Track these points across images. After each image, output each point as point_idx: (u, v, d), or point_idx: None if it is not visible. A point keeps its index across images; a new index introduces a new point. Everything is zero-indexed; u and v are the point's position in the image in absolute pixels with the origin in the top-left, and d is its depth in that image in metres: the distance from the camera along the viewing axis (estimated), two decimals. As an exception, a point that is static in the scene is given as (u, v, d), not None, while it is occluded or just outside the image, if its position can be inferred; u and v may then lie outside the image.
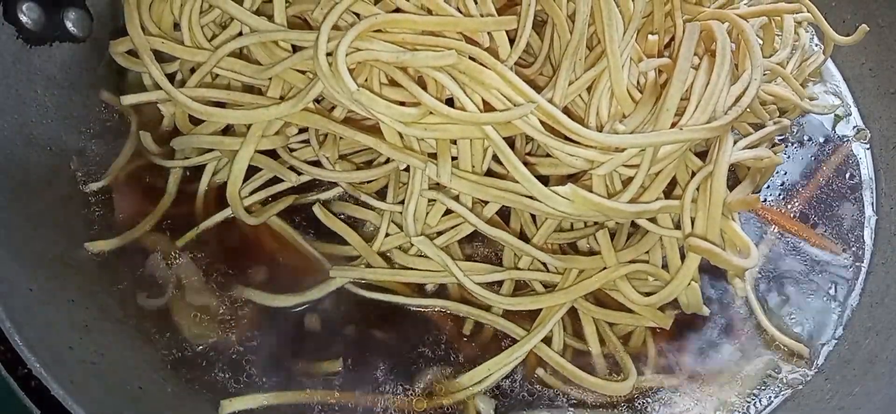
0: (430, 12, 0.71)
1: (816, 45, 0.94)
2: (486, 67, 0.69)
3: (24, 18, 0.76)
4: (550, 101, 0.71)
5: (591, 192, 0.68)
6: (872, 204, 0.86)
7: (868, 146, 0.90)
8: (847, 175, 0.88)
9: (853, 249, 0.82)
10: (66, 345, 0.63)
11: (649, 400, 0.71)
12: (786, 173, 0.86)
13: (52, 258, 0.70)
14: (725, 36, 0.73)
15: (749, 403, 0.72)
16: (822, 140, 0.90)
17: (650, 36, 0.76)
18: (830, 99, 0.93)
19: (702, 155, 0.74)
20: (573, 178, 0.73)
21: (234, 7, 0.74)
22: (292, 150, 0.77)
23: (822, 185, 0.86)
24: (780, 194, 0.85)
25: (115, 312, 0.71)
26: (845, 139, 0.91)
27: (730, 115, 0.70)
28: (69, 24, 0.81)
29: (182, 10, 0.76)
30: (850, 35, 0.91)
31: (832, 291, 0.79)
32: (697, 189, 0.70)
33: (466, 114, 0.68)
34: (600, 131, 0.70)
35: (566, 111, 0.71)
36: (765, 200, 0.84)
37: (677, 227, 0.71)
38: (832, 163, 0.88)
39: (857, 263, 0.81)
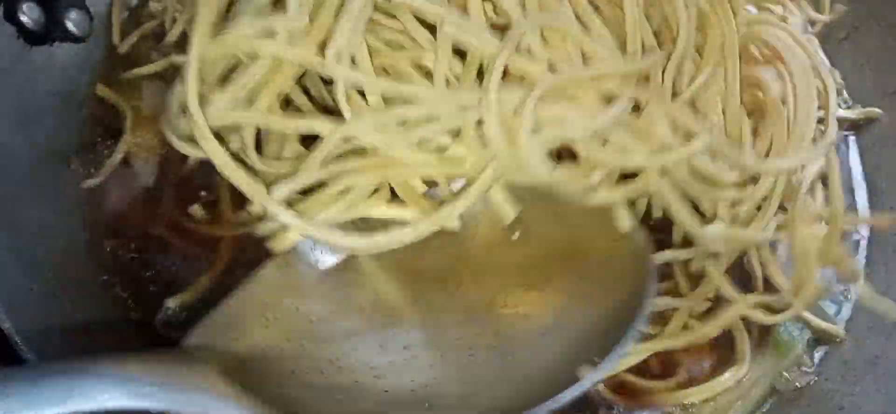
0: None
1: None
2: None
3: (24, 18, 0.76)
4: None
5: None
6: (873, 203, 0.85)
7: (869, 146, 0.89)
8: (847, 175, 0.86)
9: (854, 248, 0.81)
10: (66, 344, 0.63)
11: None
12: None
13: (52, 258, 0.69)
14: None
15: (750, 404, 0.71)
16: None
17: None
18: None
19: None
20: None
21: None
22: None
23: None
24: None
25: (115, 312, 0.70)
26: (846, 139, 0.90)
27: (827, 137, 0.72)
28: (69, 24, 0.81)
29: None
30: (848, 32, 0.91)
31: (832, 291, 0.78)
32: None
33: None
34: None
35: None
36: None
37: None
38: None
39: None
